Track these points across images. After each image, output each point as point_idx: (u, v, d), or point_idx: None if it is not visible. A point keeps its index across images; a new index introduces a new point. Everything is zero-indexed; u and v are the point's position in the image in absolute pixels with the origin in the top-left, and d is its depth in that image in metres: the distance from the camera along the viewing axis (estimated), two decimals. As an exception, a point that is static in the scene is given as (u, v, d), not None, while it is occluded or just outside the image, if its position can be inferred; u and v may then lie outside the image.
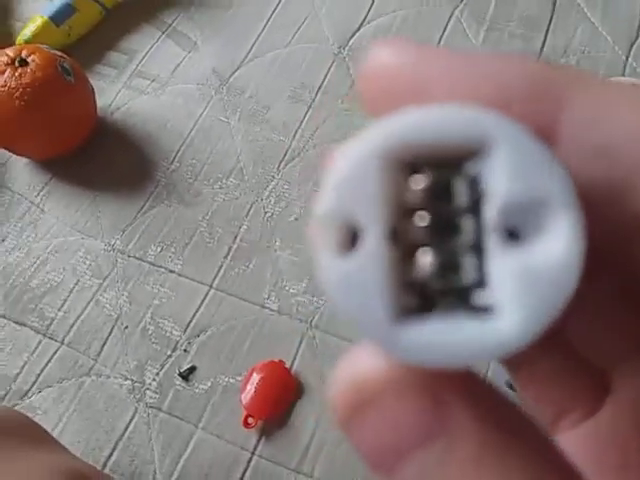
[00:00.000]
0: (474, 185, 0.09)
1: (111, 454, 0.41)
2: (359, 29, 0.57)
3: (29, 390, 0.43)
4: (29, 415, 0.42)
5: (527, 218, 0.08)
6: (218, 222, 0.48)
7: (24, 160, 0.52)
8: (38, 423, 0.34)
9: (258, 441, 0.40)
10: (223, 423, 0.41)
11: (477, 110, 0.08)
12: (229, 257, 0.47)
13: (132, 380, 0.43)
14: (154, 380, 0.43)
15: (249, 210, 0.49)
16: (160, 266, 0.47)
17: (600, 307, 0.12)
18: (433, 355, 0.08)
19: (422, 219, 0.09)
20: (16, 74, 0.45)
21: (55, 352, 0.44)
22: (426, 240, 0.09)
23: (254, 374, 0.41)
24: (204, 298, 0.45)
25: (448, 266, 0.09)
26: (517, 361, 0.12)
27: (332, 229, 0.09)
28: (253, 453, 0.40)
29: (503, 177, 0.08)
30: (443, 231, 0.09)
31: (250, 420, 0.40)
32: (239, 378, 0.42)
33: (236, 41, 0.57)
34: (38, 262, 0.48)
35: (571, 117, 0.09)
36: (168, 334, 0.44)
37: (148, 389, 0.42)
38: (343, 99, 0.53)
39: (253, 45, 0.57)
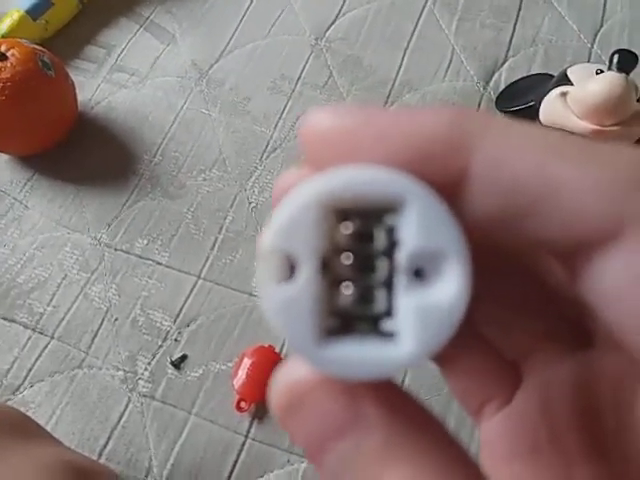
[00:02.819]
0: (390, 234, 0.11)
1: (106, 443, 0.42)
2: (335, 21, 0.58)
3: (21, 385, 0.44)
4: (22, 409, 0.42)
5: (429, 264, 0.10)
6: (203, 214, 0.49)
7: (5, 157, 0.52)
8: (31, 417, 0.35)
9: (251, 424, 0.41)
10: (216, 408, 0.42)
11: (393, 173, 0.10)
12: (215, 248, 0.48)
13: (124, 371, 0.44)
14: (146, 370, 0.44)
15: (233, 201, 0.49)
16: (147, 258, 0.47)
17: (508, 305, 0.14)
18: (348, 370, 0.10)
19: (347, 258, 0.11)
20: (-4, 69, 0.45)
21: (46, 346, 0.45)
22: (349, 275, 0.11)
23: (245, 359, 0.42)
24: (192, 288, 0.46)
25: (364, 297, 0.11)
26: (441, 359, 0.14)
27: (273, 262, 0.10)
28: (247, 436, 0.41)
29: (412, 230, 0.10)
30: (363, 269, 0.11)
31: (242, 404, 0.41)
32: (230, 364, 0.43)
33: (214, 33, 0.58)
34: (24, 258, 0.48)
35: (480, 159, 0.10)
36: (158, 324, 0.45)
37: (140, 379, 0.43)
38: (321, 90, 0.54)
39: (232, 37, 0.58)
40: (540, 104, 0.48)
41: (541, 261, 0.13)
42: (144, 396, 0.43)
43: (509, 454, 0.13)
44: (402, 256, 0.10)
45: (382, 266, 0.11)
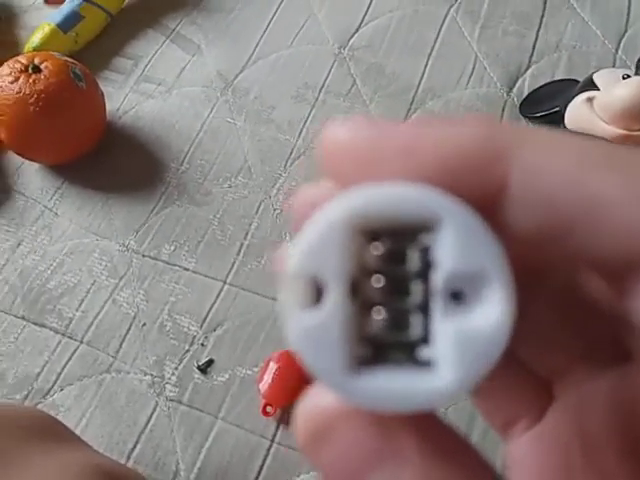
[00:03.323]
0: (425, 254, 0.10)
1: (134, 447, 0.42)
2: (358, 30, 0.59)
3: (51, 388, 0.44)
4: (52, 413, 0.43)
5: (468, 287, 0.10)
6: (229, 220, 0.50)
7: (36, 165, 0.53)
8: (61, 421, 0.35)
9: (277, 429, 0.42)
10: (242, 413, 0.42)
11: (427, 190, 0.10)
12: (241, 253, 0.48)
13: (152, 375, 0.44)
14: (173, 374, 0.44)
15: (258, 207, 0.50)
16: (174, 264, 0.48)
17: (542, 324, 0.13)
18: (380, 403, 0.10)
19: (378, 281, 0.10)
20: (30, 81, 0.46)
21: (75, 351, 0.45)
22: (380, 299, 0.10)
23: (270, 364, 0.43)
24: (219, 293, 0.47)
25: (398, 323, 0.10)
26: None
27: (299, 286, 0.10)
28: (272, 441, 0.41)
29: (449, 251, 0.10)
30: (396, 292, 0.10)
31: (269, 409, 0.42)
32: (256, 369, 0.43)
33: (239, 44, 0.59)
34: (54, 264, 0.49)
35: (518, 172, 0.10)
36: (185, 329, 0.45)
37: (168, 383, 0.44)
38: (345, 98, 0.55)
39: (256, 47, 0.59)
40: (565, 109, 0.48)
41: (579, 277, 0.13)
42: (171, 400, 0.43)
43: (540, 474, 0.12)
44: (438, 278, 0.10)
45: (417, 289, 0.10)
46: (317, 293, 0.10)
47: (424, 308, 0.10)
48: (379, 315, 0.10)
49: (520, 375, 0.13)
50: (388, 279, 0.10)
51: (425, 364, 0.10)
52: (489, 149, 0.10)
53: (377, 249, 0.10)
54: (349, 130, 0.11)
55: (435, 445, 0.10)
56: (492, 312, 0.10)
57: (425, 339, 0.10)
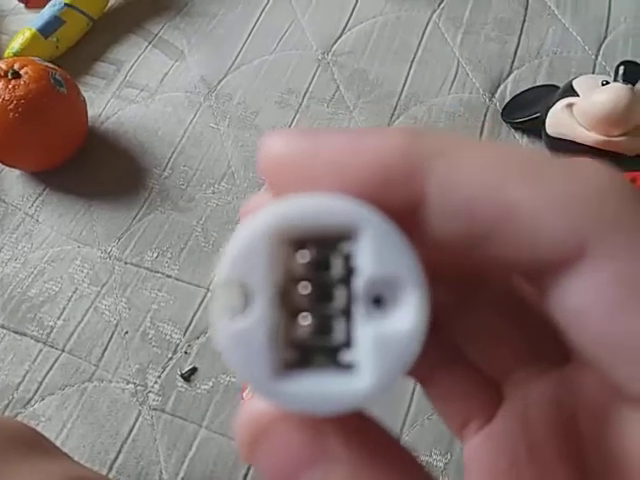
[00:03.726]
0: (347, 261, 0.10)
1: (117, 457, 0.42)
2: (341, 35, 0.59)
3: (32, 398, 0.44)
4: (33, 423, 0.42)
5: (386, 292, 0.10)
6: (212, 226, 0.49)
7: (17, 172, 0.52)
8: (41, 433, 0.35)
9: (261, 437, 0.41)
10: (226, 421, 0.42)
11: (347, 200, 0.10)
12: (225, 260, 0.48)
13: (134, 384, 0.44)
14: (156, 383, 0.44)
15: (242, 214, 0.50)
16: (157, 271, 0.48)
17: (488, 326, 0.14)
18: (306, 405, 0.10)
19: (304, 288, 0.10)
20: (9, 86, 0.45)
21: (56, 360, 0.45)
22: (306, 305, 0.10)
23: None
24: (202, 301, 0.46)
25: (323, 328, 0.10)
26: (423, 379, 0.14)
27: (227, 294, 0.10)
28: (256, 449, 0.41)
29: (367, 257, 0.10)
30: (321, 298, 0.10)
31: (253, 417, 0.41)
32: (240, 377, 0.43)
33: (222, 49, 0.59)
34: (35, 272, 0.48)
35: (434, 183, 0.10)
36: (168, 337, 0.45)
37: (151, 392, 0.43)
38: (328, 103, 0.55)
39: (239, 53, 0.58)
40: (546, 115, 0.49)
41: (513, 278, 0.13)
42: (154, 409, 0.43)
43: (490, 472, 0.13)
44: (359, 284, 0.10)
45: (340, 295, 0.10)
46: (245, 300, 0.10)
47: (347, 313, 0.10)
48: (305, 321, 0.10)
49: (471, 377, 0.14)
50: (314, 286, 0.10)
51: (347, 367, 0.10)
52: (407, 163, 0.10)
53: (303, 257, 0.10)
54: (283, 143, 0.11)
55: (363, 444, 0.11)
56: (407, 316, 0.10)
57: (348, 343, 0.10)
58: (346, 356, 0.10)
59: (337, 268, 0.10)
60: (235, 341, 0.10)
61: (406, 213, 0.10)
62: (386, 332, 0.10)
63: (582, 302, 0.09)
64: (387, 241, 0.10)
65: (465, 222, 0.10)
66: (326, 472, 0.10)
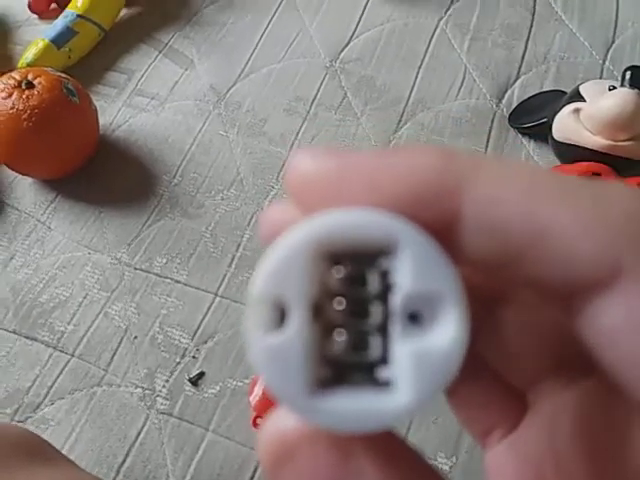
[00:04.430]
0: (384, 277, 0.10)
1: (124, 460, 0.42)
2: (349, 43, 0.60)
3: (41, 402, 0.44)
4: (42, 427, 0.43)
5: (425, 308, 0.10)
6: (221, 232, 0.50)
7: (29, 179, 0.53)
8: (46, 439, 0.35)
9: (268, 442, 0.41)
10: (233, 425, 0.42)
11: (386, 216, 0.10)
12: (233, 266, 0.48)
13: (143, 388, 0.44)
14: (164, 387, 0.44)
15: (250, 220, 0.50)
16: (166, 277, 0.48)
17: (514, 338, 0.14)
18: (341, 423, 0.10)
19: (339, 304, 0.10)
20: (23, 96, 0.46)
21: (66, 364, 0.45)
22: (341, 321, 0.10)
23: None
24: (210, 306, 0.47)
25: (358, 344, 0.10)
26: (447, 389, 0.14)
27: (262, 309, 0.10)
28: (263, 454, 0.41)
29: (406, 273, 0.10)
30: (357, 314, 0.10)
31: (259, 421, 0.42)
32: (247, 381, 0.44)
33: (231, 58, 0.60)
34: (47, 278, 0.49)
35: (470, 202, 0.10)
36: (176, 342, 0.46)
37: (159, 396, 0.44)
38: (336, 110, 0.55)
39: (248, 61, 0.59)
40: (553, 120, 0.49)
41: (540, 295, 0.13)
42: (162, 413, 0.43)
43: None
44: (397, 300, 0.10)
45: (376, 311, 0.10)
46: (280, 315, 0.10)
47: (383, 329, 0.10)
48: (340, 337, 0.10)
49: (496, 386, 0.14)
50: (349, 301, 0.10)
51: (384, 384, 0.10)
52: (442, 181, 0.10)
53: (339, 272, 0.10)
54: (312, 161, 0.11)
55: (393, 466, 0.10)
56: (447, 332, 0.10)
57: (384, 360, 0.10)
58: (383, 373, 0.10)
59: (374, 284, 0.10)
60: (270, 356, 0.10)
61: (440, 231, 0.10)
62: (425, 349, 0.10)
63: (614, 322, 0.09)
64: (427, 257, 0.10)
65: (499, 241, 0.10)
66: None
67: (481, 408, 0.14)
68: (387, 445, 0.11)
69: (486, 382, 0.14)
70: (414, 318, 0.10)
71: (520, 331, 0.14)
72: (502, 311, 0.14)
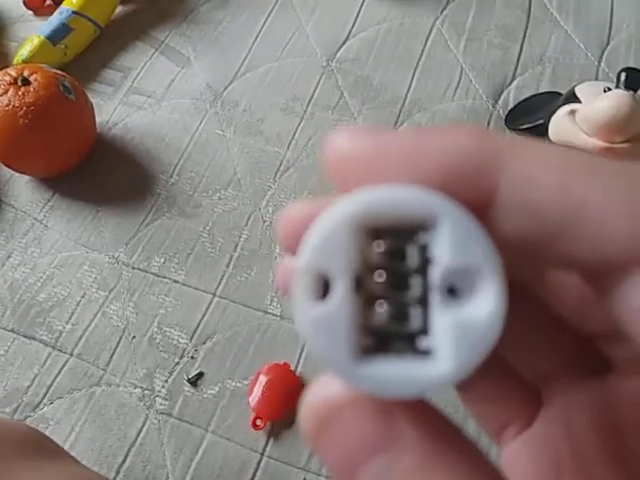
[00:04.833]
0: (423, 251, 0.11)
1: (124, 460, 0.42)
2: (345, 42, 0.60)
3: (41, 402, 0.44)
4: (42, 426, 0.43)
5: (464, 281, 0.10)
6: (219, 232, 0.50)
7: (26, 178, 0.53)
8: (48, 436, 0.35)
9: (267, 442, 0.42)
10: (232, 426, 0.43)
11: (425, 192, 0.10)
12: (231, 265, 0.48)
13: (142, 388, 0.44)
14: (163, 387, 0.44)
15: (248, 219, 0.50)
16: (164, 276, 0.48)
17: (531, 332, 0.14)
18: (383, 388, 0.10)
19: (380, 276, 0.11)
20: (19, 93, 0.46)
21: (65, 364, 0.45)
22: (382, 293, 0.11)
23: (260, 377, 0.43)
24: (208, 306, 0.47)
25: (399, 315, 0.11)
26: (461, 383, 0.14)
27: (308, 280, 0.11)
28: (262, 454, 0.42)
29: (445, 248, 0.10)
30: (397, 286, 0.11)
31: (258, 422, 0.42)
32: (246, 382, 0.44)
33: (228, 56, 0.59)
34: (44, 277, 0.49)
35: (508, 180, 0.10)
36: (175, 342, 0.46)
37: (158, 396, 0.44)
38: (333, 110, 0.56)
39: (244, 60, 0.59)
40: (549, 122, 0.49)
41: (560, 289, 0.13)
42: (161, 413, 0.43)
43: (533, 475, 0.13)
44: (436, 273, 0.11)
45: (416, 284, 0.11)
46: (325, 287, 0.11)
47: (423, 301, 0.11)
48: (382, 308, 0.11)
49: (510, 382, 0.14)
50: (389, 274, 0.11)
51: (425, 353, 0.11)
52: (480, 160, 0.10)
53: (379, 246, 0.11)
54: (350, 139, 0.11)
55: (433, 433, 0.11)
56: (486, 304, 0.10)
57: (424, 330, 0.11)
58: (424, 342, 0.11)
59: (413, 258, 0.11)
60: (317, 326, 0.10)
61: (477, 209, 0.10)
62: (465, 319, 0.10)
63: None
64: (465, 232, 0.10)
65: (535, 220, 0.10)
66: (394, 459, 0.10)
67: (496, 404, 0.14)
68: (426, 414, 0.11)
69: (501, 378, 0.14)
70: (452, 291, 0.11)
71: (535, 325, 0.14)
72: (518, 304, 0.14)
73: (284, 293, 0.13)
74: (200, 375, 0.44)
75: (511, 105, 0.54)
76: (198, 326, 0.46)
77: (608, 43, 0.58)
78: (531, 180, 0.10)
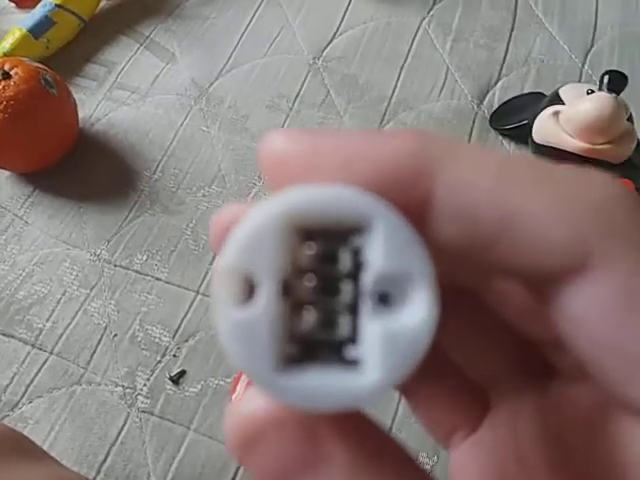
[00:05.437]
0: (356, 255, 0.10)
1: (105, 459, 0.42)
2: (332, 40, 0.60)
3: (19, 401, 0.44)
4: (21, 426, 0.42)
5: (395, 288, 0.10)
6: (202, 229, 0.49)
7: (6, 173, 0.52)
8: (26, 436, 0.35)
9: (249, 440, 0.42)
10: (215, 424, 0.42)
11: (358, 194, 0.10)
12: (214, 263, 0.48)
13: (123, 386, 0.44)
14: (145, 385, 0.44)
15: (232, 217, 0.50)
16: (147, 274, 0.48)
17: (478, 335, 0.14)
18: (309, 401, 0.10)
19: (310, 280, 0.10)
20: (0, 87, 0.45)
21: (44, 362, 0.45)
22: (311, 298, 0.10)
23: (243, 375, 0.43)
24: (191, 304, 0.46)
25: (327, 322, 0.10)
26: (405, 387, 0.14)
27: (231, 282, 0.10)
28: (245, 452, 0.41)
29: (378, 252, 0.10)
30: (326, 291, 0.10)
31: (241, 420, 0.42)
32: (228, 380, 0.44)
33: (213, 52, 0.59)
34: (24, 274, 0.48)
35: (441, 186, 0.10)
36: (157, 340, 0.45)
37: (139, 394, 0.43)
38: (319, 108, 0.55)
39: (230, 56, 0.59)
40: (533, 122, 0.50)
41: (504, 294, 0.13)
42: (143, 412, 0.43)
43: None
44: (368, 279, 0.10)
45: (346, 289, 0.10)
46: (249, 290, 0.10)
47: (353, 308, 0.10)
48: (309, 314, 0.10)
49: (458, 386, 0.14)
50: (320, 279, 0.10)
51: (352, 363, 0.10)
52: (416, 163, 0.10)
53: (310, 248, 0.10)
54: (285, 141, 0.11)
55: (362, 447, 0.10)
56: (416, 312, 0.10)
57: (353, 339, 0.10)
58: (351, 352, 0.10)
59: (345, 262, 0.10)
60: (237, 331, 0.10)
61: (412, 214, 0.10)
62: (394, 328, 0.10)
63: (585, 310, 0.10)
64: (399, 236, 0.10)
65: (469, 226, 0.10)
66: (324, 478, 0.10)
67: (443, 408, 0.14)
68: (357, 429, 0.11)
69: (448, 382, 0.14)
70: (384, 298, 0.10)
71: (482, 326, 0.14)
72: (465, 305, 0.14)
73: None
74: (182, 373, 0.44)
75: (496, 105, 0.54)
76: (181, 324, 0.46)
77: (592, 45, 0.58)
78: (466, 184, 0.10)
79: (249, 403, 0.11)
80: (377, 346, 0.10)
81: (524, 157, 0.11)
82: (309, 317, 0.10)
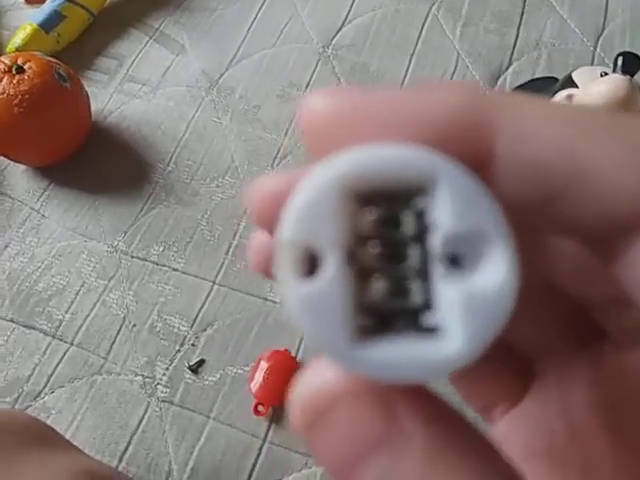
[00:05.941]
0: (420, 218, 0.10)
1: (127, 448, 0.42)
2: (341, 28, 0.59)
3: (42, 391, 0.44)
4: (43, 416, 0.43)
5: (467, 249, 0.09)
6: (217, 220, 0.50)
7: (22, 167, 0.53)
8: (50, 425, 0.35)
9: (269, 428, 0.42)
10: (234, 412, 0.43)
11: (421, 150, 0.09)
12: (230, 253, 0.48)
13: (143, 376, 0.44)
14: (164, 375, 0.44)
15: (246, 207, 0.50)
16: (163, 265, 0.48)
17: (525, 300, 0.13)
18: (386, 372, 0.09)
19: (374, 246, 0.10)
20: (14, 81, 0.46)
21: (65, 353, 0.45)
22: (378, 265, 0.10)
23: (261, 363, 0.43)
24: (208, 294, 0.47)
25: (397, 290, 0.09)
26: None
27: (294, 255, 0.09)
28: (264, 440, 0.42)
29: (445, 212, 0.09)
30: (393, 258, 0.10)
31: (260, 408, 0.42)
32: (247, 368, 0.44)
33: (223, 43, 0.59)
34: (43, 266, 0.49)
35: (505, 136, 0.09)
36: (176, 330, 0.46)
37: (159, 384, 0.44)
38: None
39: (240, 46, 0.59)
40: (546, 107, 0.49)
41: (556, 256, 0.13)
42: (163, 401, 0.43)
43: (526, 452, 0.12)
44: (436, 241, 0.09)
45: (414, 254, 0.10)
46: (312, 261, 0.09)
47: (423, 273, 0.10)
48: (379, 282, 0.10)
49: (499, 354, 0.13)
50: (384, 245, 0.10)
51: (430, 331, 0.09)
52: (475, 114, 0.09)
53: (371, 213, 0.10)
54: (327, 99, 0.10)
55: (441, 426, 0.09)
56: (496, 272, 0.09)
57: (428, 305, 0.10)
58: (428, 319, 0.10)
59: (409, 225, 0.10)
60: (307, 305, 0.09)
61: (473, 169, 0.09)
62: (473, 292, 0.09)
63: None
64: (467, 193, 0.09)
65: (536, 179, 0.09)
66: (398, 458, 0.09)
67: (484, 382, 0.13)
68: (424, 398, 0.10)
69: (490, 353, 0.14)
70: (455, 260, 0.09)
71: (530, 296, 0.13)
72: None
73: (261, 274, 0.12)
74: (201, 362, 0.44)
75: (507, 91, 0.54)
76: (198, 314, 0.46)
77: (604, 28, 0.58)
78: (532, 135, 0.09)
79: (316, 377, 0.10)
80: (457, 311, 0.09)
81: (587, 107, 0.10)
82: (379, 285, 0.09)
